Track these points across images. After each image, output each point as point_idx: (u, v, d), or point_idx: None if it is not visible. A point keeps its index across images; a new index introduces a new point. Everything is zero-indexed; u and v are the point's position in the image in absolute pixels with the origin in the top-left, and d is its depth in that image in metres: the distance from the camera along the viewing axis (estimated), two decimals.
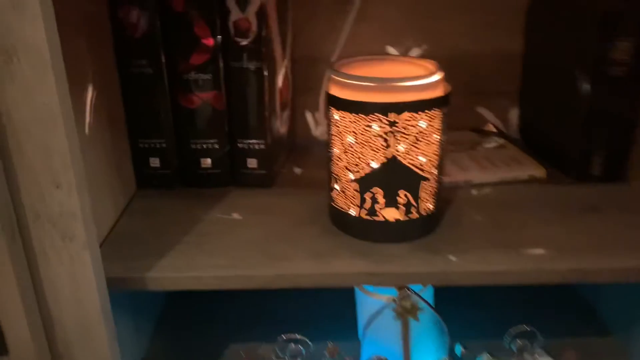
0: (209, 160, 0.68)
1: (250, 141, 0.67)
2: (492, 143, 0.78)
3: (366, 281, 0.53)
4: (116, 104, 0.63)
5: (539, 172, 0.69)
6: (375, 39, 0.78)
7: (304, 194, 0.67)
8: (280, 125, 0.72)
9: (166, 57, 0.63)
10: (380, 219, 0.55)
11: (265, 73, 0.64)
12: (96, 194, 0.56)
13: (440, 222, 0.59)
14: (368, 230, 0.56)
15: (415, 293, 0.54)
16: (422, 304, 0.54)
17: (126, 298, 0.64)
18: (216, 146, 0.67)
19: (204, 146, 0.67)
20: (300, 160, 0.77)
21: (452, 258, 0.54)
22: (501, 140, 0.79)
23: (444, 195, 0.59)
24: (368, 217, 0.55)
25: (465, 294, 0.57)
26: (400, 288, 0.54)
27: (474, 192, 0.67)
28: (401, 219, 0.54)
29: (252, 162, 0.68)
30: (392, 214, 0.54)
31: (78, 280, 0.46)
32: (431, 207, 0.55)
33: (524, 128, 0.81)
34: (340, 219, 0.58)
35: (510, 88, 0.81)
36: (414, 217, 0.55)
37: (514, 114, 0.82)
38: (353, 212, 0.55)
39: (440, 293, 0.62)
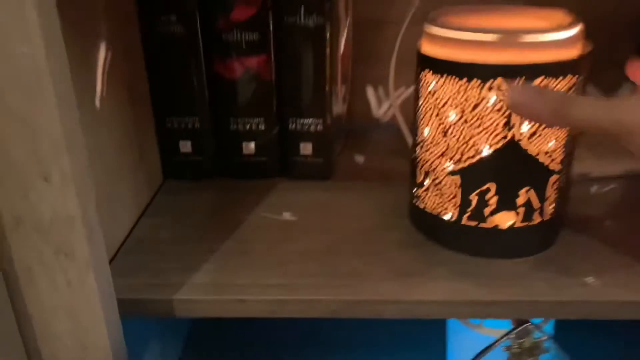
0: (252, 145, 0.54)
1: (305, 121, 0.53)
2: None
3: (473, 313, 0.39)
4: (137, 72, 0.50)
5: None
6: None
7: (373, 189, 0.53)
8: (341, 102, 0.58)
9: (201, 12, 0.49)
10: (489, 225, 0.40)
11: (328, 33, 0.49)
12: (107, 188, 0.43)
13: (561, 231, 0.44)
14: (470, 240, 0.41)
15: (539, 328, 0.39)
16: (547, 342, 0.40)
17: (149, 322, 0.51)
18: (262, 127, 0.53)
19: (247, 127, 0.53)
20: (360, 147, 0.62)
21: (590, 280, 0.39)
22: None
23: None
24: (471, 223, 0.40)
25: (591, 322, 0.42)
26: (517, 321, 0.40)
27: (594, 188, 0.52)
28: (517, 225, 0.40)
29: (306, 148, 0.54)
30: (506, 219, 0.40)
31: (77, 312, 0.33)
32: (555, 210, 0.41)
33: None
34: (429, 223, 0.43)
35: (623, 57, 0.65)
36: (534, 224, 0.40)
37: (626, 90, 0.66)
38: (449, 215, 0.41)
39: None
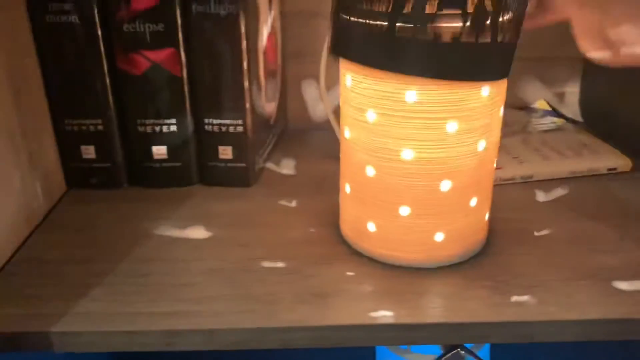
0: (163, 149, 0.48)
1: (223, 121, 0.47)
2: (548, 124, 0.59)
3: (396, 339, 0.34)
4: (27, 69, 0.44)
5: (621, 162, 0.50)
6: None
7: (300, 197, 0.48)
8: (266, 101, 0.53)
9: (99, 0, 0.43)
10: None
11: (243, 21, 0.44)
12: None
13: (495, 240, 0.40)
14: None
15: (472, 354, 0.35)
16: None
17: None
18: (174, 128, 0.47)
19: (157, 129, 0.47)
20: (292, 150, 0.57)
21: (525, 299, 0.35)
22: (559, 121, 0.59)
23: (495, 199, 0.40)
24: None
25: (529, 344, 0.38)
26: (448, 346, 0.35)
27: (538, 192, 0.48)
28: None
29: (225, 151, 0.48)
30: None
31: None
32: None
33: (588, 106, 0.62)
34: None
35: (569, 53, 0.61)
36: None
37: (573, 88, 0.63)
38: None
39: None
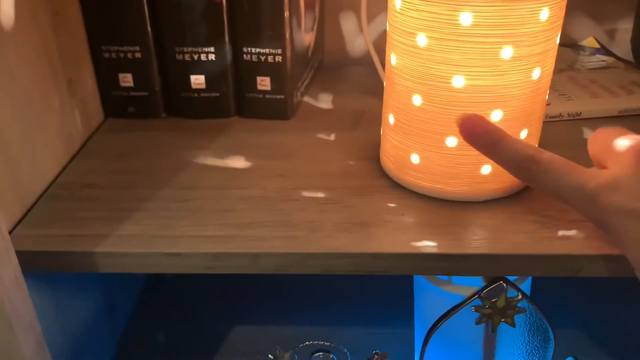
0: (202, 78, 0.47)
1: (262, 50, 0.46)
2: (597, 62, 0.56)
3: (437, 269, 0.34)
4: None
5: None
6: None
7: (338, 130, 0.47)
8: (305, 31, 0.51)
9: None
10: None
11: None
12: (21, 126, 0.37)
13: None
14: None
15: (514, 286, 0.35)
16: (523, 302, 0.35)
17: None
18: (212, 57, 0.46)
19: (195, 57, 0.46)
20: (330, 84, 0.56)
21: (572, 233, 0.34)
22: (609, 59, 0.57)
23: (542, 135, 0.38)
24: None
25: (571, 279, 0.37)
26: (489, 278, 0.35)
27: (585, 130, 0.46)
28: None
29: (263, 82, 0.48)
30: None
31: None
32: None
33: (639, 44, 0.59)
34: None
35: None
36: None
37: (625, 25, 0.60)
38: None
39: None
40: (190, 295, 0.58)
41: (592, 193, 0.27)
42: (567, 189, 0.28)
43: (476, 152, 0.33)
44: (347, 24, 0.61)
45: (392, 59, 0.35)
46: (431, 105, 0.33)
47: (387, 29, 0.35)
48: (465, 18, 0.30)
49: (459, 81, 0.31)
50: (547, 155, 0.29)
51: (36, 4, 0.38)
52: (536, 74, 0.32)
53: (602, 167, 0.30)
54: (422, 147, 0.35)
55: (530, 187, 0.34)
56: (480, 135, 0.30)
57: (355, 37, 0.61)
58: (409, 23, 0.32)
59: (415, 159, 0.35)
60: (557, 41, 0.33)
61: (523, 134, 0.34)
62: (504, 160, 0.30)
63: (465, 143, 0.33)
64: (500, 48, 0.30)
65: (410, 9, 0.32)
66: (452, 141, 0.33)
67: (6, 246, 0.30)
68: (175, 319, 0.56)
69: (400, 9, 0.32)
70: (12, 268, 0.30)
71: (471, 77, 0.31)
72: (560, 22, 0.33)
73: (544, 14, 0.30)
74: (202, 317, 0.56)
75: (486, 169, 0.34)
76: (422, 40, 0.32)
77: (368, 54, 0.52)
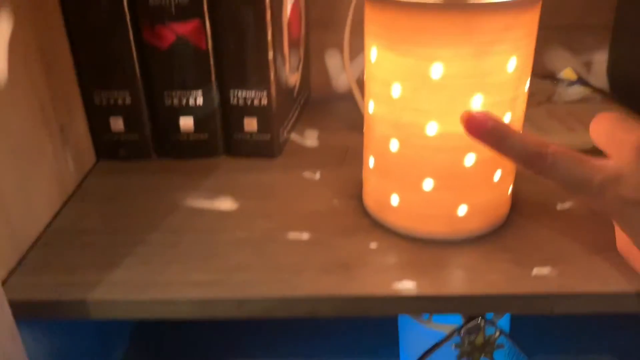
0: (190, 121, 0.49)
1: (248, 93, 0.48)
2: (574, 94, 0.58)
3: (418, 308, 0.35)
4: (56, 42, 0.45)
5: None
6: None
7: (324, 168, 0.48)
8: (290, 72, 0.53)
9: None
10: None
11: None
12: (17, 174, 0.38)
13: (518, 213, 0.41)
14: None
15: (492, 324, 0.36)
16: (501, 339, 0.36)
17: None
18: (200, 101, 0.48)
19: (184, 100, 0.48)
20: (316, 120, 0.58)
21: (546, 272, 0.35)
22: (586, 91, 0.59)
23: (519, 170, 0.40)
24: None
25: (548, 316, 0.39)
26: (468, 316, 0.36)
27: None
28: None
29: (250, 123, 0.49)
30: None
31: None
32: None
33: (616, 75, 0.61)
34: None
35: (598, 19, 0.60)
36: None
37: (601, 57, 0.62)
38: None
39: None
40: (184, 333, 0.59)
41: (599, 186, 0.28)
42: (575, 183, 0.29)
43: (452, 194, 0.34)
44: (332, 60, 0.63)
45: (370, 106, 0.36)
46: (407, 150, 0.35)
47: (365, 77, 0.37)
48: (436, 70, 0.31)
49: (432, 128, 0.33)
50: (553, 149, 0.29)
51: (28, 53, 0.40)
52: (507, 119, 0.34)
53: (607, 154, 0.31)
54: (400, 190, 0.36)
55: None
56: (488, 131, 0.30)
57: (340, 73, 0.63)
58: (384, 74, 0.34)
59: (394, 200, 0.37)
60: (527, 87, 0.35)
61: (497, 176, 0.36)
62: (512, 155, 0.30)
63: (442, 185, 0.34)
64: (470, 97, 0.32)
65: (384, 61, 0.33)
66: (428, 184, 0.35)
67: (1, 299, 0.31)
68: (168, 354, 0.57)
69: (376, 60, 0.34)
70: (6, 320, 0.31)
71: (444, 124, 0.33)
72: (529, 69, 0.34)
73: (512, 64, 0.32)
74: (195, 356, 0.56)
75: (462, 209, 0.36)
76: (396, 90, 0.33)
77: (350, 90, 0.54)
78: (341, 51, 0.61)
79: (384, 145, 0.36)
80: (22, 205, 0.39)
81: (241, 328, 0.59)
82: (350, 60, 0.53)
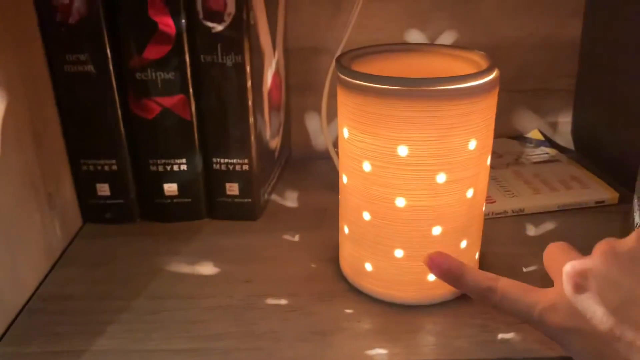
0: (174, 186, 0.51)
1: (230, 160, 0.50)
2: (540, 155, 0.61)
3: None
4: (46, 115, 0.47)
5: (608, 195, 0.53)
6: (391, 23, 0.61)
7: (303, 230, 0.50)
8: (270, 137, 0.55)
9: (112, 50, 0.46)
10: None
11: (248, 70, 0.47)
12: (6, 243, 0.40)
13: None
14: None
15: None
16: None
17: None
18: (184, 167, 0.50)
19: (168, 167, 0.50)
20: (297, 181, 0.60)
21: (510, 336, 0.37)
22: (552, 152, 0.62)
23: (487, 233, 0.42)
24: None
25: None
26: None
27: (528, 226, 0.50)
28: None
29: (232, 188, 0.51)
30: None
31: None
32: None
33: (579, 136, 0.65)
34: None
35: (561, 84, 0.64)
36: None
37: (565, 118, 0.66)
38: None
39: None
40: None
41: (539, 316, 0.30)
42: (521, 313, 0.31)
43: (421, 263, 0.36)
44: (311, 122, 0.65)
45: (344, 178, 0.39)
46: (379, 220, 0.37)
47: (339, 151, 0.39)
48: (402, 150, 0.34)
49: (400, 202, 0.35)
50: (502, 283, 0.32)
51: (20, 127, 0.42)
52: (470, 193, 0.36)
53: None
54: (373, 257, 0.38)
55: None
56: (445, 272, 0.33)
57: (319, 134, 0.66)
58: (356, 151, 0.36)
59: (368, 266, 0.39)
60: (488, 162, 0.38)
61: (463, 244, 0.38)
62: (467, 291, 0.33)
63: (412, 254, 0.36)
64: (435, 174, 0.35)
65: (356, 140, 0.36)
66: (399, 252, 0.37)
67: None
68: None
69: (348, 138, 0.37)
70: None
71: (411, 199, 0.35)
72: (489, 147, 0.37)
73: (472, 144, 0.35)
74: None
75: (432, 276, 0.38)
76: (366, 166, 0.36)
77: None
78: (319, 114, 0.64)
79: (357, 214, 0.38)
80: (9, 274, 0.40)
81: None
82: (329, 123, 0.55)
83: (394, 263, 0.38)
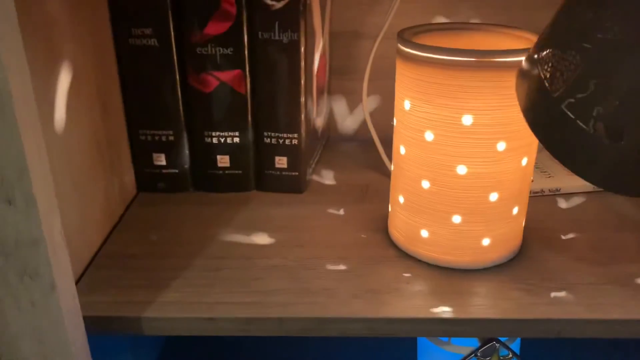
0: (227, 158, 0.53)
1: (281, 135, 0.52)
2: None
3: (439, 331, 0.39)
4: (111, 85, 0.49)
5: None
6: (428, 10, 0.63)
7: (347, 204, 0.52)
8: (316, 116, 0.58)
9: (175, 25, 0.49)
10: None
11: (302, 48, 0.49)
12: (77, 203, 0.42)
13: (527, 245, 0.45)
14: None
15: (506, 346, 0.40)
16: None
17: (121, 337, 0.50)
18: (237, 140, 0.53)
19: (222, 140, 0.52)
20: (336, 159, 0.62)
21: (553, 300, 0.39)
22: None
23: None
24: None
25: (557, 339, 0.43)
26: (484, 339, 0.40)
27: (563, 203, 0.52)
28: None
29: (281, 161, 0.53)
30: None
31: (43, 333, 0.32)
32: None
33: None
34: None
35: None
36: None
37: None
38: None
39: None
40: (206, 355, 0.62)
41: None
42: None
43: (478, 227, 0.39)
44: (338, 106, 0.67)
45: (401, 149, 0.41)
46: (438, 188, 0.39)
47: (395, 124, 0.42)
48: (467, 119, 0.36)
49: (461, 169, 0.38)
50: None
51: (91, 95, 0.44)
52: (524, 161, 0.39)
53: None
54: (430, 224, 0.40)
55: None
56: None
57: (345, 117, 0.68)
58: (418, 121, 0.38)
59: (424, 233, 0.41)
60: None
61: (514, 211, 0.40)
62: None
63: (469, 220, 0.38)
64: (496, 142, 0.37)
65: (419, 110, 0.38)
66: (457, 218, 0.39)
67: (77, 311, 0.34)
68: None
69: (409, 109, 0.39)
70: (81, 330, 0.35)
71: (472, 166, 0.37)
72: None
73: None
74: None
75: (486, 241, 0.40)
76: (429, 135, 0.38)
77: (358, 131, 0.62)
78: (346, 97, 0.66)
79: (414, 184, 0.40)
80: (78, 231, 0.42)
81: (260, 349, 0.62)
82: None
83: (450, 229, 0.40)
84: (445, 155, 0.38)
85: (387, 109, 0.63)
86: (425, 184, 0.39)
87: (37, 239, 0.29)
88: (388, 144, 0.50)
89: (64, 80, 0.40)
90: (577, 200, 0.53)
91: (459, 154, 0.37)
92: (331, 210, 0.52)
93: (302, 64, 0.50)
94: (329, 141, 0.67)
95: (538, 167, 0.56)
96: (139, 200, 0.53)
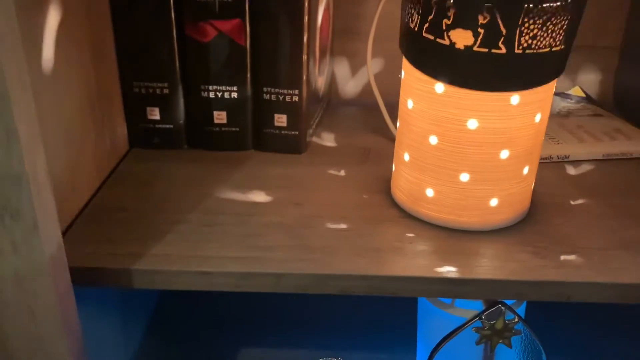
0: (224, 114, 0.51)
1: (281, 91, 0.50)
2: (582, 110, 0.61)
3: (443, 292, 0.37)
4: (103, 33, 0.47)
5: None
6: None
7: (347, 165, 0.51)
8: (318, 76, 0.55)
9: None
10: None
11: (307, 1, 0.47)
12: (64, 151, 0.40)
13: (536, 209, 0.43)
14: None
15: (511, 309, 0.38)
16: (519, 325, 0.39)
17: (111, 292, 0.48)
18: (234, 95, 0.50)
19: (219, 94, 0.50)
20: (337, 121, 0.60)
21: (564, 262, 0.38)
22: (594, 108, 0.62)
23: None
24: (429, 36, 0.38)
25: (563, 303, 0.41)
26: (489, 302, 0.38)
27: (572, 170, 0.51)
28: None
29: (280, 119, 0.51)
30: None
31: (24, 277, 0.30)
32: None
33: (621, 95, 0.64)
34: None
35: (606, 41, 0.64)
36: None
37: (608, 77, 0.65)
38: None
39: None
40: (200, 315, 0.60)
41: None
42: None
43: (487, 186, 0.37)
44: (340, 68, 0.65)
45: (409, 103, 0.39)
46: (446, 144, 0.37)
47: (402, 76, 0.39)
48: None
49: (472, 123, 0.36)
50: None
51: (80, 40, 0.42)
52: (537, 117, 0.37)
53: None
54: (436, 182, 0.39)
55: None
56: None
57: (347, 81, 0.65)
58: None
59: (429, 192, 0.39)
60: (553, 89, 0.38)
61: (525, 170, 0.38)
62: None
63: (478, 178, 0.36)
64: (510, 96, 0.35)
65: None
66: (465, 176, 0.37)
67: (62, 256, 0.32)
68: (186, 339, 0.58)
69: None
70: (65, 277, 0.33)
71: (484, 120, 0.35)
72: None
73: None
74: (209, 338, 0.58)
75: (494, 201, 0.38)
76: (439, 87, 0.36)
77: (360, 95, 0.60)
78: (349, 60, 0.64)
79: (422, 139, 0.38)
80: (68, 181, 0.40)
81: (257, 316, 0.61)
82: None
83: (457, 188, 0.38)
84: (455, 108, 0.35)
85: (391, 72, 0.60)
86: (433, 140, 0.37)
87: (19, 174, 0.27)
88: (391, 108, 0.48)
89: (53, 16, 0.38)
90: (585, 167, 0.51)
91: (470, 107, 0.35)
92: (332, 171, 0.50)
93: (306, 17, 0.47)
94: (330, 105, 0.65)
95: (547, 133, 0.54)
96: (132, 155, 0.51)
